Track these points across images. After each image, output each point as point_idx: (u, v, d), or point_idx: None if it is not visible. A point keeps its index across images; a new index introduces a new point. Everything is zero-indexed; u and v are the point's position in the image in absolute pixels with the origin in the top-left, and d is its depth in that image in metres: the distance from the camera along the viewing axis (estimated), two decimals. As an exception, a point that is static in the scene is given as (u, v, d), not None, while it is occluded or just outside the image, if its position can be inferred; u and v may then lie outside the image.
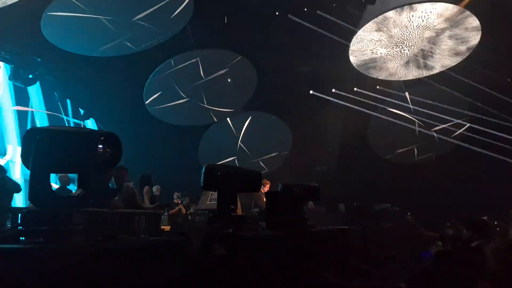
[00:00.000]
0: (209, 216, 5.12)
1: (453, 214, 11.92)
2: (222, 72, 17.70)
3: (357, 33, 15.74)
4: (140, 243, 3.01)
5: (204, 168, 4.72)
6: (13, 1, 11.84)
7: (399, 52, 16.79)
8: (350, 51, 16.37)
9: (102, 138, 2.68)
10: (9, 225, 5.00)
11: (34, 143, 2.65)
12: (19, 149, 14.04)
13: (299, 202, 6.64)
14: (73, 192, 2.82)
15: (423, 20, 15.33)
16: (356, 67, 17.02)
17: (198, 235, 4.17)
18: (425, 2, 14.97)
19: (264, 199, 10.91)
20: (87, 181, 2.82)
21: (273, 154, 19.98)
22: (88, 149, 2.68)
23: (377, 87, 18.59)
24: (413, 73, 17.61)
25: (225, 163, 19.31)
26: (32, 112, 15.73)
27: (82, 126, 16.49)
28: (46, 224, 2.65)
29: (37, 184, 2.67)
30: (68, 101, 16.78)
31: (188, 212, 12.42)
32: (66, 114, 16.93)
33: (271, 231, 5.64)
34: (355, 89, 18.52)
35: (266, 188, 10.82)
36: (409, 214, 13.13)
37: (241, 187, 4.90)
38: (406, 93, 18.84)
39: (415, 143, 19.52)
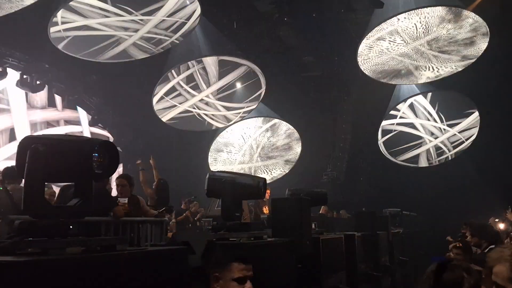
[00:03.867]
0: (213, 224, 5.07)
1: (463, 219, 11.79)
2: (231, 77, 17.71)
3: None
4: (139, 254, 2.95)
5: (207, 175, 4.68)
6: (20, 8, 11.86)
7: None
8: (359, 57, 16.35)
9: (97, 147, 2.62)
10: None
11: (28, 151, 2.60)
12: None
13: (306, 208, 6.57)
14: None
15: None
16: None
17: (203, 243, 4.12)
18: (434, 6, 14.93)
19: (265, 207, 10.84)
20: (84, 190, 2.77)
21: (282, 159, 19.93)
22: (84, 158, 2.62)
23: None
24: (424, 77, 17.57)
25: (233, 168, 19.31)
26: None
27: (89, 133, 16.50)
28: (41, 235, 2.60)
29: (32, 193, 2.61)
30: (77, 107, 16.80)
31: (196, 219, 12.36)
32: (74, 120, 16.97)
33: (277, 238, 5.57)
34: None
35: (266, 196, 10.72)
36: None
37: (245, 194, 4.84)
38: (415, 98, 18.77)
39: (425, 147, 19.39)
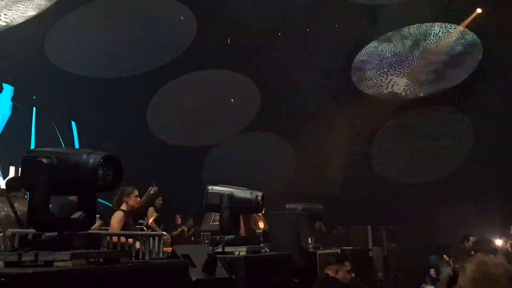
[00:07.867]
0: (211, 238, 5.10)
1: (456, 234, 11.81)
2: (224, 92, 17.71)
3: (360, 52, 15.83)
4: (142, 267, 2.97)
5: (206, 189, 4.70)
6: (17, 23, 11.90)
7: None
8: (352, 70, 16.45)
9: (102, 161, 2.65)
10: None
11: (33, 165, 2.62)
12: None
13: (303, 222, 6.60)
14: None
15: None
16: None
17: (200, 257, 4.13)
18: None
19: (260, 221, 10.83)
20: (88, 203, 2.80)
21: (277, 175, 19.88)
22: (89, 171, 2.65)
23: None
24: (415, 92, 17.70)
25: (228, 184, 19.24)
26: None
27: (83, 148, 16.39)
28: (46, 248, 2.61)
29: (37, 207, 2.63)
30: (72, 123, 16.76)
31: (190, 233, 12.34)
32: (70, 136, 16.91)
33: (275, 252, 5.59)
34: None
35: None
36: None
37: (243, 208, 4.87)
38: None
39: (417, 162, 19.40)
